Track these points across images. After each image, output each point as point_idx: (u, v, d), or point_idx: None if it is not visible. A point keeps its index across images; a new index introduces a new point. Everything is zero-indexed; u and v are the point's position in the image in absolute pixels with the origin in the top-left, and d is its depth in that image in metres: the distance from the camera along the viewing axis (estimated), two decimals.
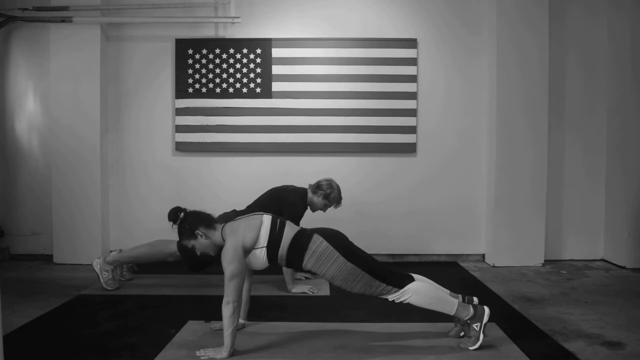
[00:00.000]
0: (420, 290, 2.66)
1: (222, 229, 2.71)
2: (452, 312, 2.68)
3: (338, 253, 2.62)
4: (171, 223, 2.74)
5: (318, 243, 2.64)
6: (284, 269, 3.65)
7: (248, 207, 3.85)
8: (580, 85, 4.84)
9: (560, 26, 4.78)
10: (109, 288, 3.74)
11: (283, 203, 3.70)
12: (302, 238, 2.68)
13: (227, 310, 2.53)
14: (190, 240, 2.71)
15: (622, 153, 4.65)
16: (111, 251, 3.97)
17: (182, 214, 2.72)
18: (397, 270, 2.76)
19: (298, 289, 3.72)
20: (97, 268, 3.78)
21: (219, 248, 2.69)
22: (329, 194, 3.82)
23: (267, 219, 2.72)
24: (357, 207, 4.69)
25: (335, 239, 2.69)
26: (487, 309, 2.68)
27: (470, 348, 2.65)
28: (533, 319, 3.17)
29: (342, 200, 3.91)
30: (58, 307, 3.38)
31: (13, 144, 4.84)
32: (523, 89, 4.61)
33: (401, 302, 2.67)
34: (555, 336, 2.87)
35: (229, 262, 2.57)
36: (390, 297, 2.67)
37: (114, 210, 4.84)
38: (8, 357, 2.36)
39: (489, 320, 2.68)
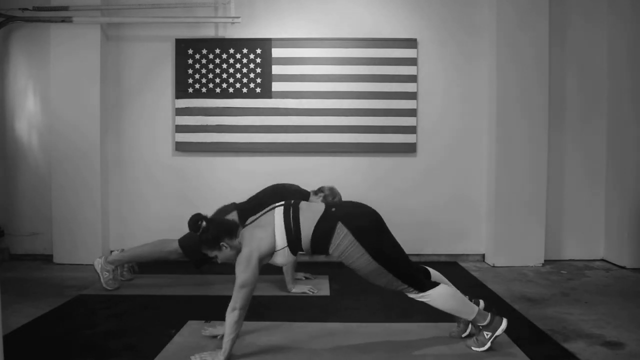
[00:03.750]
0: (440, 297, 2.62)
1: (240, 233, 2.62)
2: (470, 317, 2.65)
3: (364, 250, 2.51)
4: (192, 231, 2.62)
5: (342, 237, 2.52)
6: (284, 268, 3.66)
7: (250, 199, 3.85)
8: (579, 86, 4.83)
9: (560, 30, 4.77)
10: (109, 288, 3.73)
11: None
12: (325, 228, 2.54)
13: (232, 316, 2.47)
14: (214, 251, 2.59)
15: (622, 153, 4.65)
16: (111, 251, 3.97)
17: (204, 222, 2.58)
18: (421, 269, 2.73)
19: (298, 289, 3.72)
20: (98, 268, 3.77)
21: None
22: (327, 195, 3.81)
23: (279, 217, 2.59)
24: None
25: (362, 229, 2.54)
26: (504, 323, 2.63)
27: (474, 348, 2.65)
28: (533, 319, 3.17)
29: None
30: (58, 307, 3.37)
31: (13, 144, 4.84)
32: (522, 89, 4.61)
33: (420, 301, 2.65)
34: (555, 336, 2.87)
35: (242, 271, 2.50)
36: (410, 295, 2.64)
37: (114, 210, 4.84)
38: (8, 357, 2.36)
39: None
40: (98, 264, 3.78)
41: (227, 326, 2.48)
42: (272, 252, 2.59)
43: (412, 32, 4.79)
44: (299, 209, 2.63)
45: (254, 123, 4.75)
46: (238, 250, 2.58)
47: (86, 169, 4.61)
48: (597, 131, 4.85)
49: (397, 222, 4.84)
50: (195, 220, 2.61)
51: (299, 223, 2.58)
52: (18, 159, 4.83)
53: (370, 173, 4.83)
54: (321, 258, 4.72)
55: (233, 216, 3.71)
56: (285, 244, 2.58)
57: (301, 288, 3.74)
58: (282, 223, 2.59)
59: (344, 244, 2.52)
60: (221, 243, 2.57)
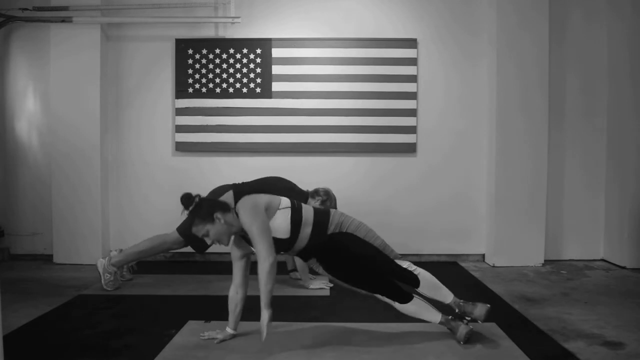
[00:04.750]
0: (424, 272, 2.83)
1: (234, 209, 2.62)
2: (447, 300, 2.82)
3: (353, 217, 2.79)
4: (182, 209, 2.60)
5: (335, 211, 2.79)
6: (299, 265, 3.67)
7: (244, 183, 3.85)
8: (579, 86, 4.83)
9: (560, 29, 4.78)
10: (108, 289, 3.73)
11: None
12: (324, 210, 2.79)
13: (264, 265, 2.46)
14: (207, 224, 2.54)
15: (622, 153, 4.65)
16: (111, 251, 3.96)
17: (197, 198, 2.59)
18: None
19: (315, 285, 3.77)
20: (100, 269, 3.77)
21: (234, 234, 2.61)
22: (325, 200, 3.80)
23: (283, 197, 2.75)
24: (357, 206, 4.64)
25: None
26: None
27: (480, 321, 2.75)
28: (533, 319, 3.17)
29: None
30: (58, 307, 3.37)
31: (13, 144, 4.84)
32: (522, 89, 4.61)
33: (411, 271, 2.78)
34: (555, 336, 2.87)
35: (252, 219, 2.50)
36: (405, 264, 2.80)
37: (115, 210, 4.84)
38: (8, 357, 2.36)
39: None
40: (101, 264, 3.77)
41: (261, 278, 2.48)
42: (276, 206, 2.62)
43: (412, 32, 4.79)
44: (300, 201, 2.83)
45: (254, 123, 4.75)
46: (232, 225, 2.57)
47: (86, 169, 4.61)
48: (597, 131, 4.84)
49: (397, 221, 4.88)
50: (189, 196, 2.61)
51: (300, 204, 2.76)
52: (18, 159, 4.83)
53: (370, 173, 4.83)
54: None
55: (228, 195, 3.72)
56: (289, 205, 2.66)
57: (317, 284, 3.78)
58: (287, 200, 2.72)
59: (339, 212, 2.80)
60: (215, 214, 2.54)
